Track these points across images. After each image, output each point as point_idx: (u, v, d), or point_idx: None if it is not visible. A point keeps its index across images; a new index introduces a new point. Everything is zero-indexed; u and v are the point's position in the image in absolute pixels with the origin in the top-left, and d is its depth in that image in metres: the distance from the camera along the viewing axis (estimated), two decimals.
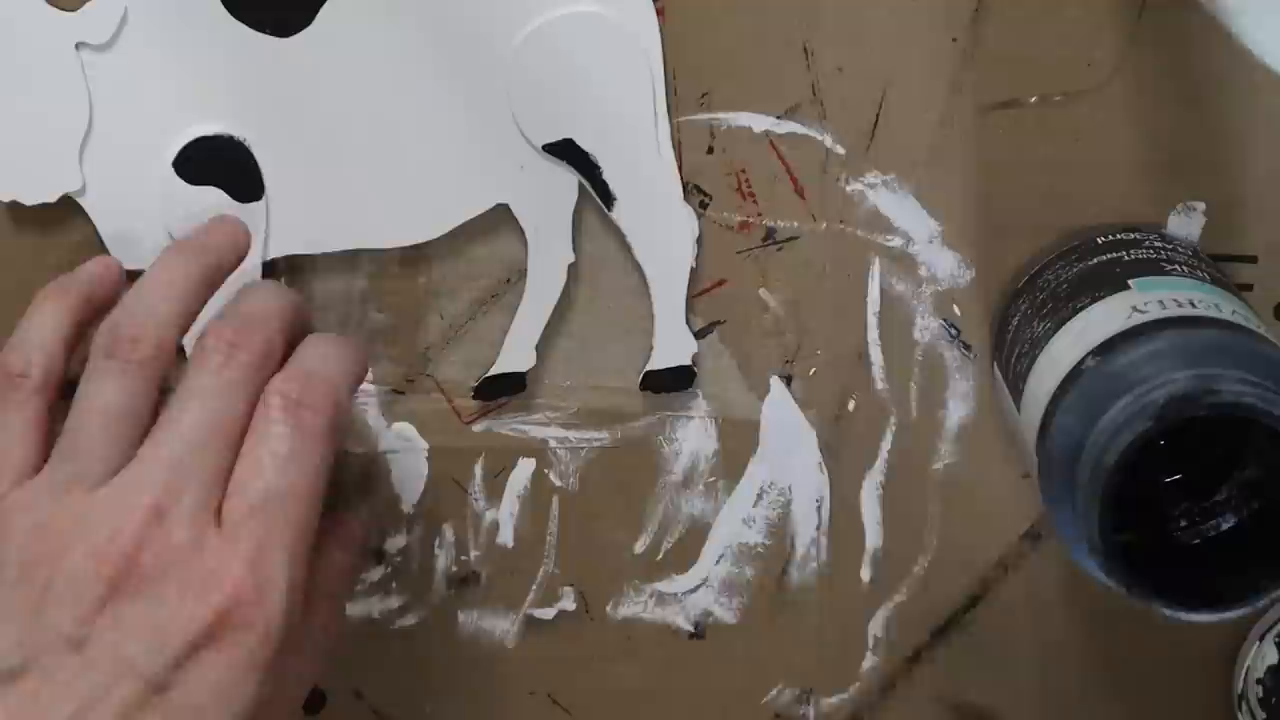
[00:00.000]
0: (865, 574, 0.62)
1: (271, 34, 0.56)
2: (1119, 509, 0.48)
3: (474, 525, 0.61)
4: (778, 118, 0.58)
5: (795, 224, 0.59)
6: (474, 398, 0.60)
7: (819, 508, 0.61)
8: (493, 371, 0.60)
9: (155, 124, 0.57)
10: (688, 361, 0.59)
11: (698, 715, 0.63)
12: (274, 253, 0.58)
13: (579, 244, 0.59)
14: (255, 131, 0.57)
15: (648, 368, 0.60)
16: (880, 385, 0.60)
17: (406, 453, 0.61)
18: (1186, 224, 0.58)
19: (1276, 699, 0.61)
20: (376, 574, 0.62)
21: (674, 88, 0.57)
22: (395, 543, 0.61)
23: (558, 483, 0.61)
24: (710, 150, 0.58)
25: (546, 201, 0.58)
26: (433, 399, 0.60)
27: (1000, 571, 0.61)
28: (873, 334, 0.59)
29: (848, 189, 0.58)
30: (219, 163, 0.57)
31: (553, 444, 0.61)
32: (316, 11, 0.56)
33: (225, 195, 0.57)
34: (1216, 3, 0.50)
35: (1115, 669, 0.62)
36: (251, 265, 0.57)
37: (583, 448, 0.61)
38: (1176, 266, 0.54)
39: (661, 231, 0.58)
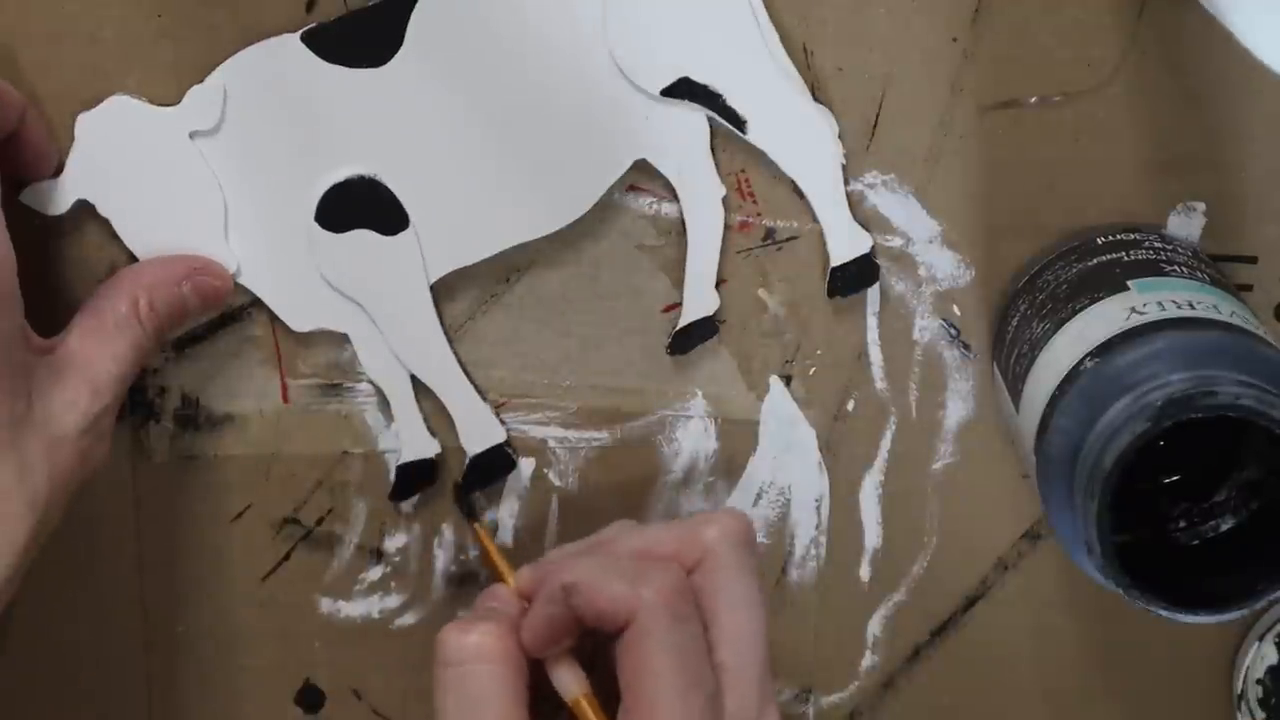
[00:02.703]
0: (864, 573, 0.62)
1: (368, 67, 0.56)
2: (1118, 510, 0.48)
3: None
4: None
5: (795, 224, 0.59)
6: (670, 352, 0.60)
7: (818, 507, 0.61)
8: (681, 324, 0.59)
9: (285, 186, 0.57)
10: (867, 250, 0.58)
11: None
12: (434, 275, 0.58)
13: (580, 244, 0.59)
14: (383, 164, 0.57)
15: (833, 264, 0.59)
16: (880, 385, 0.60)
17: None
18: (1186, 224, 0.58)
19: (1276, 699, 0.61)
20: (376, 574, 0.62)
21: None
22: (395, 543, 0.61)
23: (557, 482, 0.61)
24: (711, 150, 0.58)
25: (681, 144, 0.58)
26: (433, 399, 0.60)
27: (1000, 571, 0.61)
28: (873, 334, 0.59)
29: (848, 189, 0.58)
30: (358, 205, 0.57)
31: (552, 444, 0.61)
32: (404, 30, 0.56)
33: (373, 234, 0.57)
34: (1216, 3, 0.50)
35: (1115, 669, 0.62)
36: (418, 290, 0.58)
37: (582, 447, 0.61)
38: (1176, 267, 0.54)
39: (801, 138, 0.57)
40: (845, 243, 0.58)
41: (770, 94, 0.57)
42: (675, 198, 0.58)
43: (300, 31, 0.56)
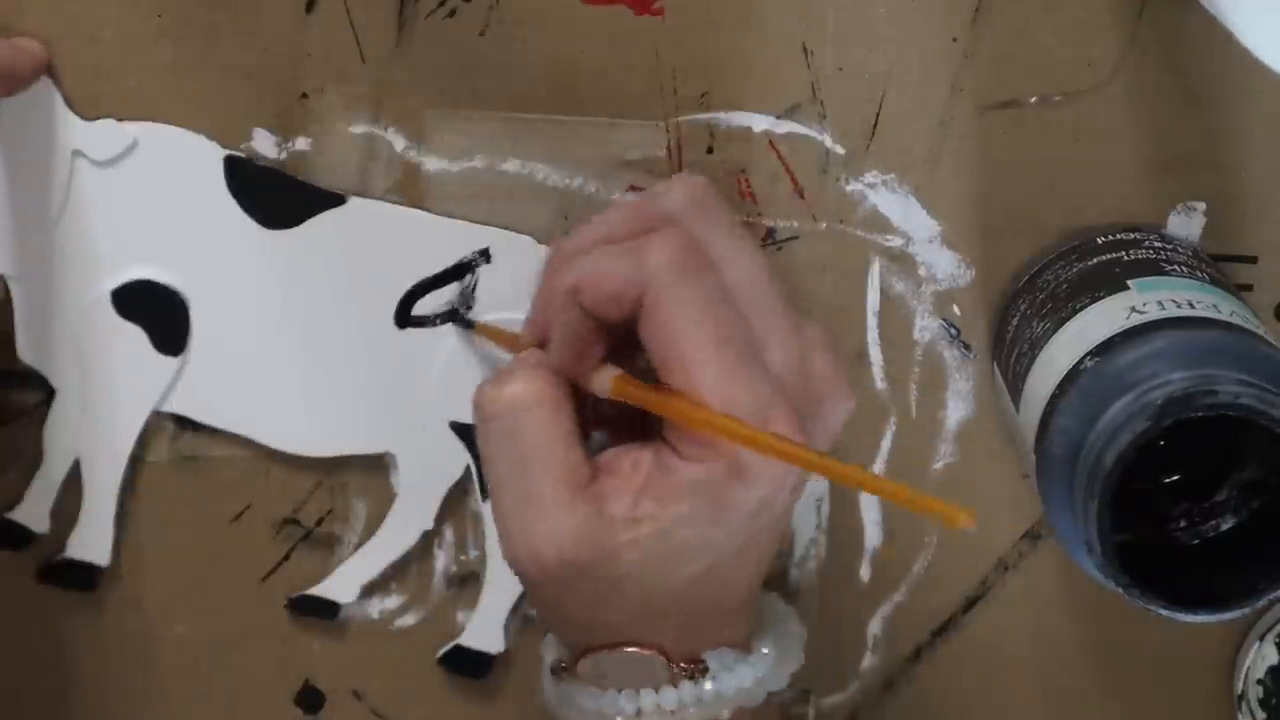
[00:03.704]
0: (865, 574, 0.62)
1: (256, 221, 0.57)
2: (1118, 509, 0.48)
3: (474, 525, 0.61)
4: (778, 118, 0.58)
5: (795, 224, 0.59)
6: (285, 606, 0.62)
7: (819, 508, 0.61)
8: (312, 591, 0.61)
9: (114, 248, 0.58)
10: (493, 653, 0.61)
11: None
12: (167, 407, 0.59)
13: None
14: (202, 296, 0.58)
15: (455, 642, 0.61)
16: (880, 385, 0.60)
17: None
18: (1186, 224, 0.58)
19: (1276, 699, 0.60)
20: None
21: (674, 88, 0.57)
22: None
23: None
24: (710, 150, 0.58)
25: (430, 470, 0.60)
26: None
27: (1000, 571, 0.61)
28: (873, 334, 0.59)
29: (848, 189, 0.58)
30: (154, 308, 0.58)
31: None
32: (305, 220, 0.57)
33: (146, 339, 0.58)
34: (1216, 3, 0.50)
35: (1115, 669, 0.62)
36: (141, 409, 0.59)
37: None
38: (1176, 267, 0.54)
39: None
40: (482, 634, 0.61)
41: None
42: None
43: (227, 153, 0.57)
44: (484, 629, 0.61)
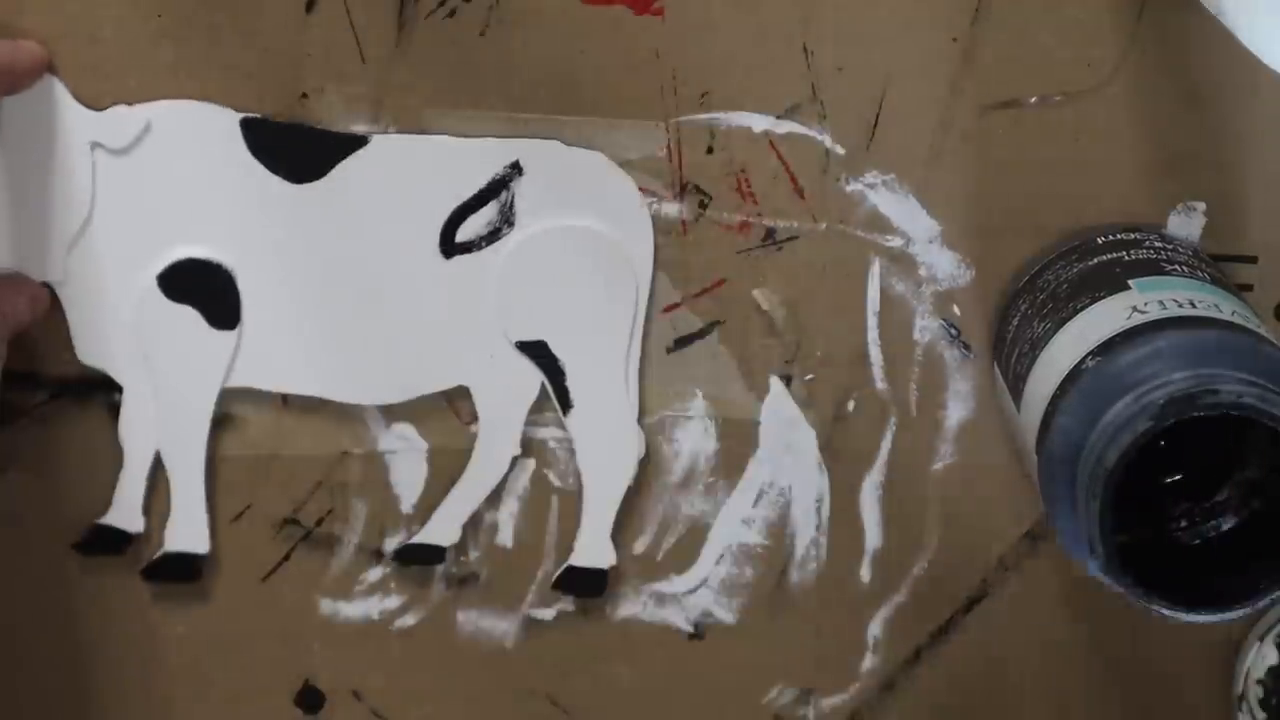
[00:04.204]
0: (865, 574, 0.62)
1: (284, 179, 0.57)
2: (1119, 509, 0.48)
3: (473, 525, 0.61)
4: (778, 117, 0.58)
5: (795, 224, 0.59)
6: (392, 559, 0.61)
7: (818, 508, 0.61)
8: (415, 540, 0.61)
9: (151, 234, 0.58)
10: (605, 567, 0.61)
11: (697, 715, 0.63)
12: (234, 382, 0.59)
13: None
14: (245, 264, 0.58)
15: (566, 564, 0.61)
16: (880, 385, 0.60)
17: (406, 453, 0.61)
18: (1186, 224, 0.58)
19: (1276, 699, 0.61)
20: (376, 574, 0.62)
21: (674, 88, 0.57)
22: (395, 543, 0.61)
23: (557, 483, 0.61)
24: (710, 150, 0.58)
25: (507, 394, 0.59)
26: (432, 399, 0.60)
27: (1000, 571, 0.61)
28: (873, 334, 0.59)
29: (848, 189, 0.58)
30: (202, 286, 0.58)
31: (552, 444, 0.61)
32: (331, 168, 0.57)
33: (201, 317, 0.58)
34: (1217, 3, 0.50)
35: (1115, 669, 0.62)
36: (210, 385, 0.59)
37: None
38: (1176, 266, 0.54)
39: (609, 448, 0.60)
40: (592, 551, 0.61)
41: (607, 397, 0.59)
42: (676, 197, 0.58)
43: (243, 116, 0.57)
44: (593, 546, 0.61)
